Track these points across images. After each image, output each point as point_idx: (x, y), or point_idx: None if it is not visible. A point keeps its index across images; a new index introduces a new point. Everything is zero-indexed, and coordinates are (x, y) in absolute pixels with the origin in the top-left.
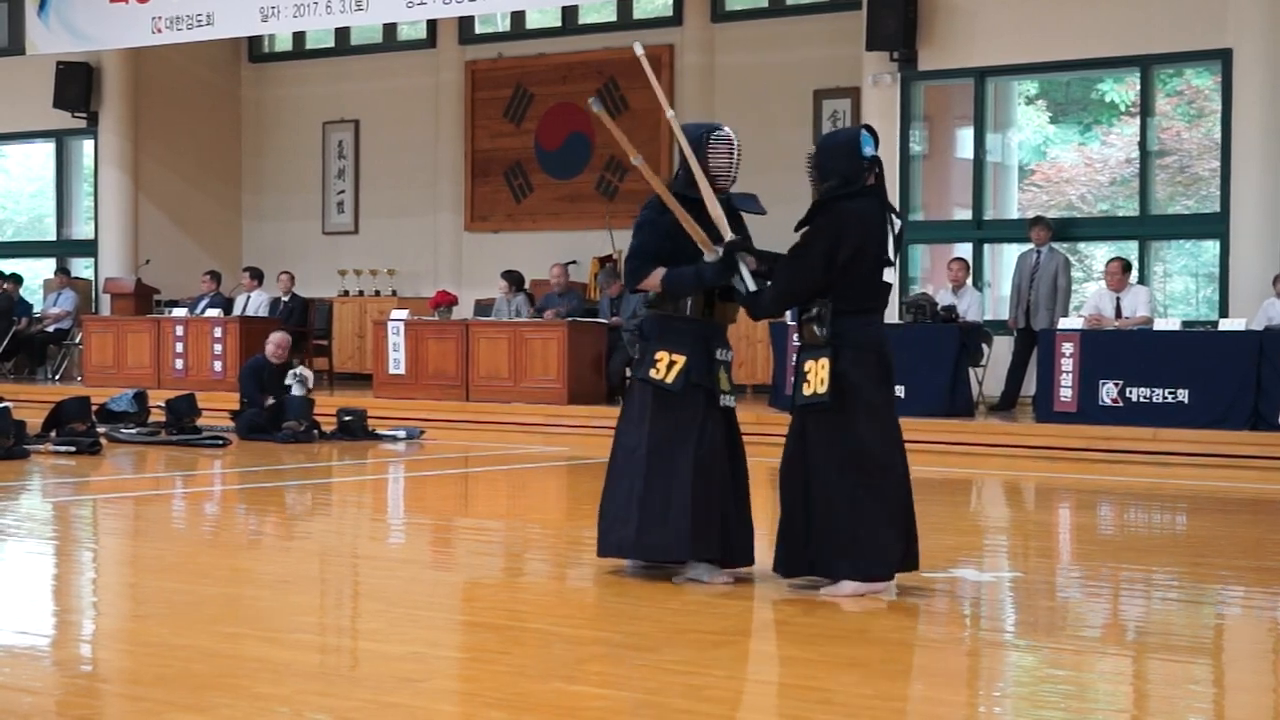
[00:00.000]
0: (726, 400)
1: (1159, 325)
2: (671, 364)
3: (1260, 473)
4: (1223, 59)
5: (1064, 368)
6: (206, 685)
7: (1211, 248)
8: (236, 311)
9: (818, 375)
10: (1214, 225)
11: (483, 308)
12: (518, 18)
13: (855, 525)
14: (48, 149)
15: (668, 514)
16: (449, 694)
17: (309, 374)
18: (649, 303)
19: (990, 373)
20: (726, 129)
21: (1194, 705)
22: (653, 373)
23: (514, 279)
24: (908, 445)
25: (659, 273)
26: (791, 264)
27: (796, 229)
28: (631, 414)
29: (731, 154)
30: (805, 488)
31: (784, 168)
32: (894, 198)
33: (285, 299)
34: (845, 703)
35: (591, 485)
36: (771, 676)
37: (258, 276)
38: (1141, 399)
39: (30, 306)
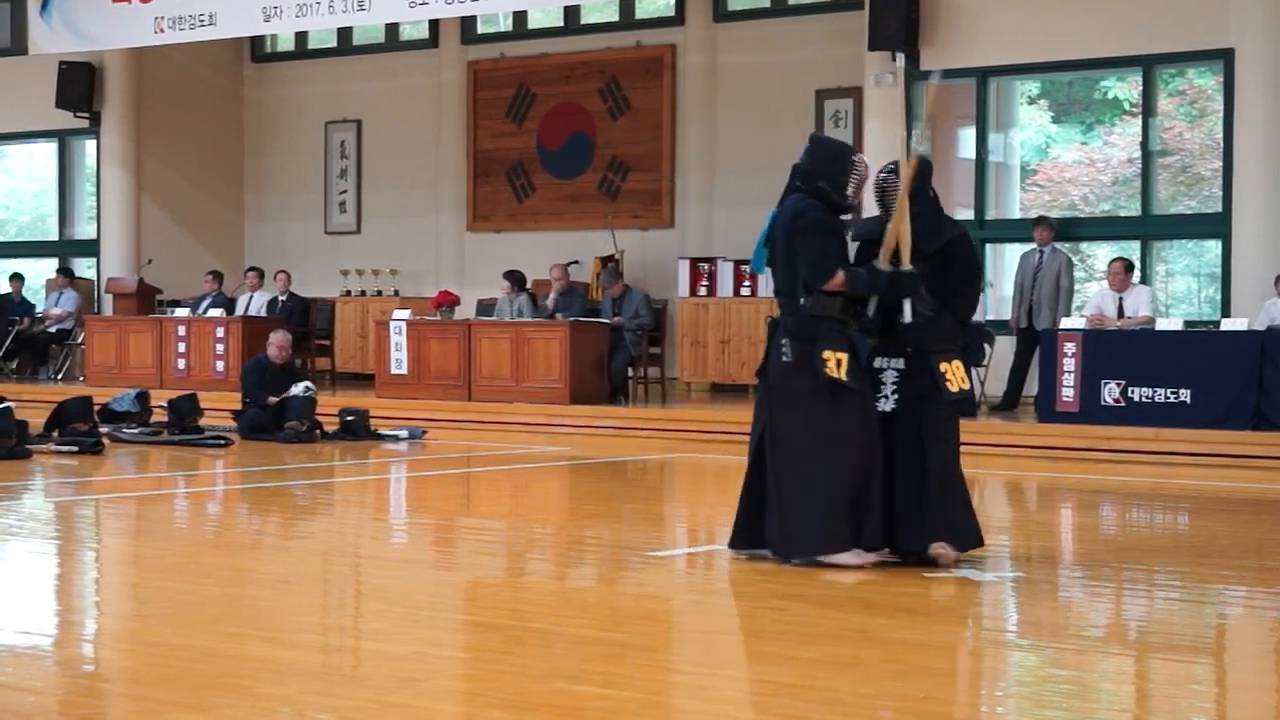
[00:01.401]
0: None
1: (1161, 325)
2: (839, 362)
3: (1262, 473)
4: (1225, 59)
5: (1066, 368)
6: (208, 685)
7: (1213, 248)
8: (239, 311)
9: (958, 374)
10: (1216, 225)
11: (485, 307)
12: (520, 17)
13: (968, 499)
14: (50, 149)
15: (839, 508)
16: (451, 694)
17: (312, 386)
18: (804, 307)
19: (992, 373)
20: (860, 155)
21: (1196, 705)
22: (828, 370)
23: (516, 279)
24: None
25: (841, 272)
26: (972, 285)
27: (932, 252)
28: (792, 413)
29: (863, 181)
30: (925, 472)
31: (785, 168)
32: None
33: (283, 298)
34: (848, 702)
35: (594, 485)
36: (774, 676)
37: (261, 276)
38: (1144, 399)
39: (32, 306)
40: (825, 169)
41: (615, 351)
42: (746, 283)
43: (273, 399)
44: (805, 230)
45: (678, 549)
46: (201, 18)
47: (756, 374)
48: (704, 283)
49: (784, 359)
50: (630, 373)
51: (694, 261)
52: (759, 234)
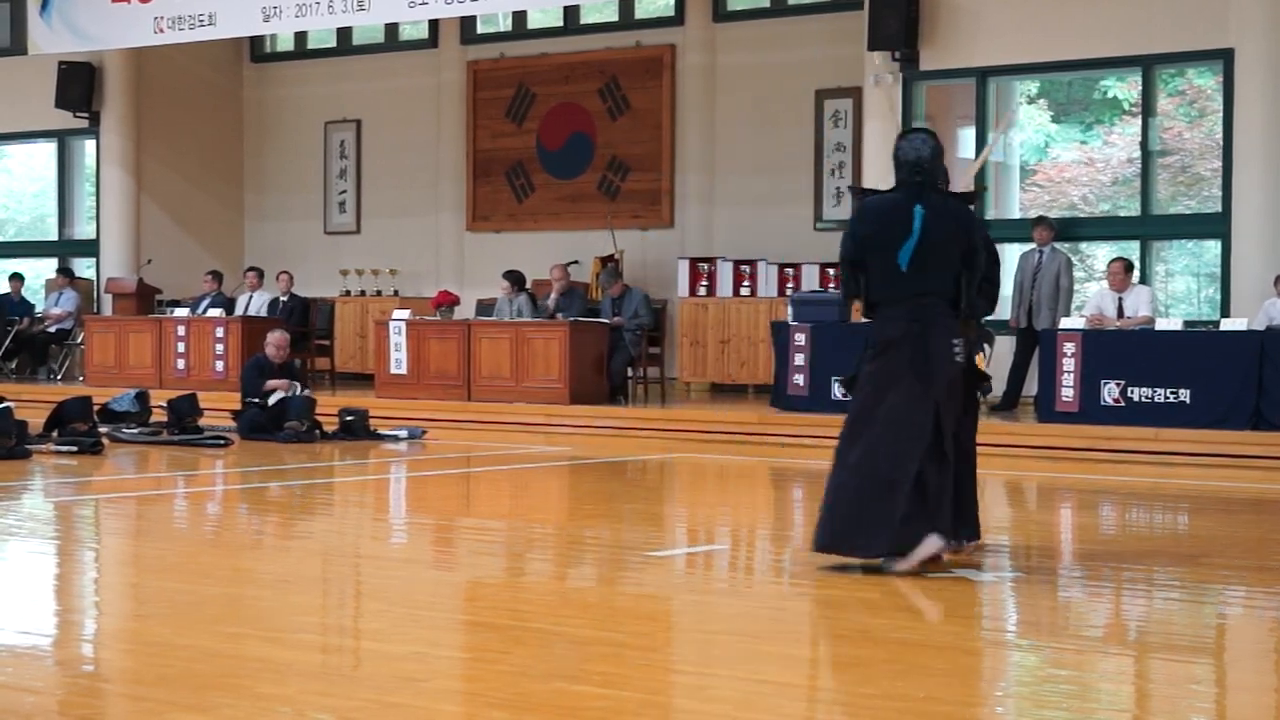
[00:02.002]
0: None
1: (1160, 325)
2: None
3: (1262, 473)
4: (1224, 59)
5: (1066, 368)
6: (208, 685)
7: (1213, 248)
8: (238, 311)
9: (979, 360)
10: (1215, 225)
11: (484, 307)
12: (519, 17)
13: None
14: (50, 149)
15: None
16: (451, 694)
17: (281, 384)
18: (962, 311)
19: (992, 372)
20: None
21: (1196, 705)
22: (983, 370)
23: (515, 279)
24: None
25: None
26: (998, 269)
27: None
28: (962, 412)
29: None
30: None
31: (785, 167)
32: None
33: (284, 299)
34: (848, 702)
35: (594, 485)
36: (774, 676)
37: (261, 276)
38: (1143, 399)
39: (32, 306)
40: (942, 172)
41: (615, 351)
42: (746, 283)
43: (269, 383)
44: (987, 243)
45: (677, 549)
46: (201, 18)
47: (914, 370)
48: (703, 283)
49: (958, 359)
50: (630, 373)
51: (694, 261)
52: (912, 229)
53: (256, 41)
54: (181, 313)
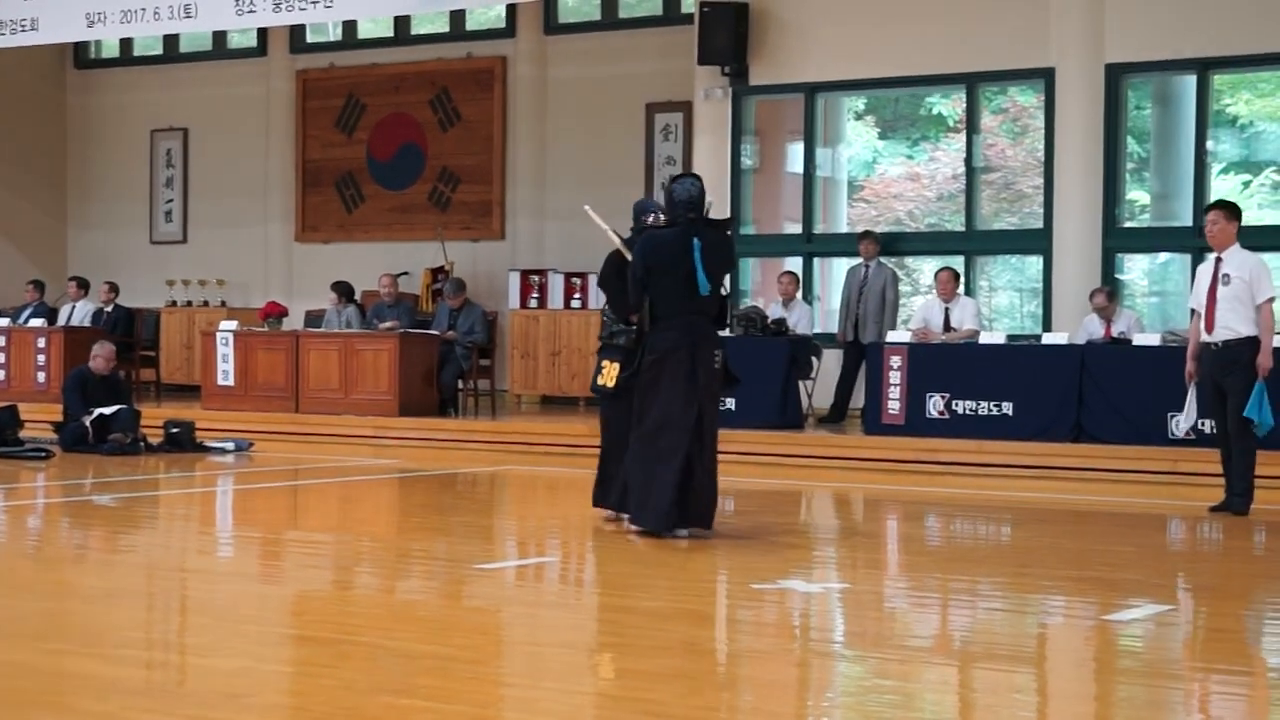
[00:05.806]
0: None
1: (984, 339)
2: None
3: (1082, 484)
4: (1045, 78)
5: (892, 380)
6: (29, 702)
7: (1035, 263)
8: (61, 321)
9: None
10: (1037, 241)
11: (313, 319)
12: (349, 27)
13: None
14: None
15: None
16: (277, 709)
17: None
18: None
19: (820, 385)
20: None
21: (1017, 714)
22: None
23: (344, 290)
24: (741, 456)
25: None
26: None
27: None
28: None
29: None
30: None
31: (615, 180)
32: (725, 212)
33: (108, 310)
34: (675, 714)
35: (423, 498)
36: (602, 688)
37: (84, 286)
38: (967, 411)
39: None
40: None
41: (445, 363)
42: (577, 295)
43: (88, 418)
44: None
45: (507, 561)
46: (23, 22)
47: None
48: (534, 295)
49: (717, 365)
50: (460, 385)
51: (524, 274)
52: (694, 259)
53: (81, 48)
54: (2, 322)
